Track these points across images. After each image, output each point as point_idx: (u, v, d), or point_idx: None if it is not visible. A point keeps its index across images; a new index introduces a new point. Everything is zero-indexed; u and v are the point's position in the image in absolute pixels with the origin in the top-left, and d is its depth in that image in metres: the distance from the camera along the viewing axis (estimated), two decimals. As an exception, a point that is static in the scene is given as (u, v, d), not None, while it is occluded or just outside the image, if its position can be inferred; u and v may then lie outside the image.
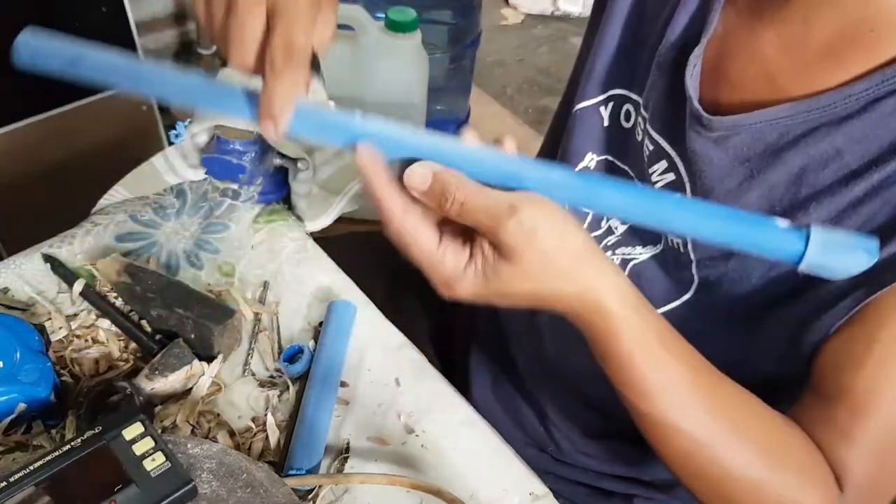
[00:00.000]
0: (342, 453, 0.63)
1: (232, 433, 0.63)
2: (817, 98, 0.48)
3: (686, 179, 0.56)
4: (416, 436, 0.65)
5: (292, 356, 0.69)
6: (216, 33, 0.43)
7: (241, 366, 0.69)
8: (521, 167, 0.43)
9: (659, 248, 0.61)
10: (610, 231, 0.66)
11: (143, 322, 0.69)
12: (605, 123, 0.65)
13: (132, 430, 0.52)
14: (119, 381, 0.62)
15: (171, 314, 0.67)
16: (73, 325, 0.69)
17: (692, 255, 0.56)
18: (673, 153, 0.57)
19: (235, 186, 0.84)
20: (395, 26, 1.57)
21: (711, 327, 0.57)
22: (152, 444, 0.52)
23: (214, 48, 1.82)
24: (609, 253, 0.65)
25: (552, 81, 2.60)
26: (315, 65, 0.44)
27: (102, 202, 0.83)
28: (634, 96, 0.62)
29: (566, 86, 0.75)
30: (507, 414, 0.75)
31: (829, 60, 0.48)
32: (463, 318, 0.93)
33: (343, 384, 0.68)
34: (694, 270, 0.57)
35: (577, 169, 0.67)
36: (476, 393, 0.82)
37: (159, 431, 0.55)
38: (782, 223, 0.41)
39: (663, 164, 0.58)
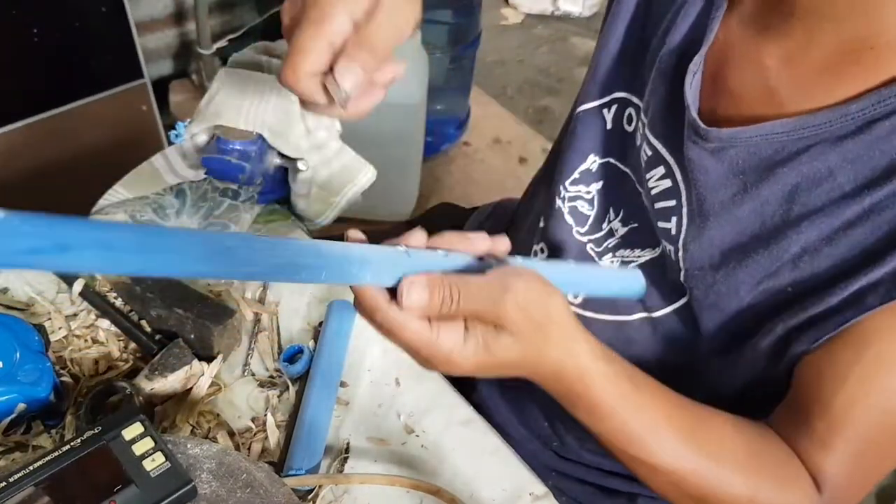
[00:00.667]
0: (342, 453, 0.63)
1: (232, 433, 0.63)
2: (813, 115, 0.48)
3: (682, 187, 0.56)
4: (416, 436, 0.65)
5: (292, 356, 0.69)
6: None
7: (241, 366, 0.69)
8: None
9: (658, 251, 0.61)
10: (611, 233, 0.66)
11: (143, 322, 0.69)
12: (609, 126, 0.65)
13: (132, 431, 0.52)
14: (119, 381, 0.62)
15: (171, 314, 0.67)
16: (73, 325, 0.68)
17: (682, 265, 0.57)
18: (671, 160, 0.57)
19: (235, 186, 0.83)
20: (394, 26, 1.56)
21: (703, 334, 0.57)
22: (152, 444, 0.52)
23: (215, 48, 1.82)
24: (609, 255, 0.65)
25: (552, 81, 2.61)
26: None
27: (102, 202, 0.83)
28: (636, 100, 0.62)
29: (580, 87, 0.75)
30: (512, 411, 0.75)
31: (829, 76, 0.48)
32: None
33: (343, 384, 0.68)
34: (682, 279, 0.57)
35: (579, 170, 0.67)
36: (482, 389, 0.82)
37: (159, 431, 0.55)
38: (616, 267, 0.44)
39: (661, 170, 0.58)
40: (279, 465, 0.61)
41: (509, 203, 0.92)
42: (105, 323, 0.69)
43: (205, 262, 0.32)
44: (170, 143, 0.87)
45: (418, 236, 0.45)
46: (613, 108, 0.64)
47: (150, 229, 0.31)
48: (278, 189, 0.86)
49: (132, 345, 0.68)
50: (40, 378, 0.60)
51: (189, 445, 0.55)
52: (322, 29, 0.43)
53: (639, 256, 0.63)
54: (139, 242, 0.30)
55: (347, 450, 0.64)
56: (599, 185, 0.66)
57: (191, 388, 0.65)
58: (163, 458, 0.51)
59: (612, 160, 0.66)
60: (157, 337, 0.67)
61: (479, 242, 0.47)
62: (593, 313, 0.66)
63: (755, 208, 0.52)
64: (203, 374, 0.66)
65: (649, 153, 0.59)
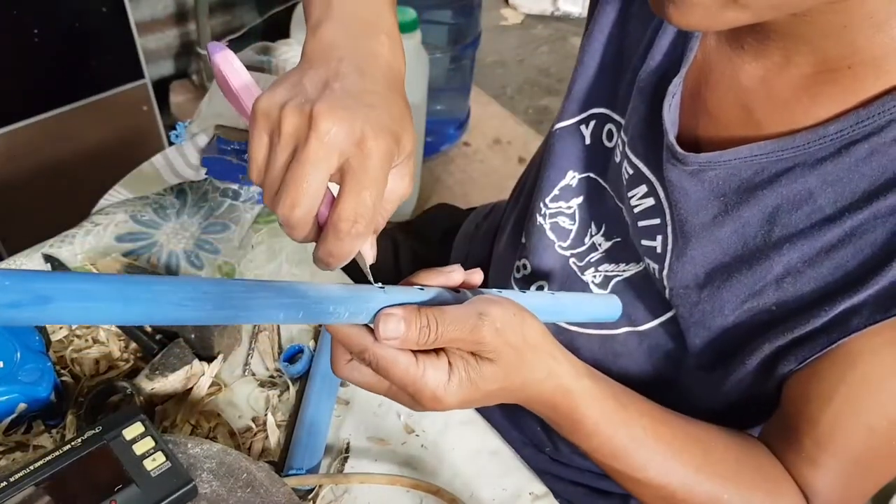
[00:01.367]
0: (342, 453, 0.63)
1: (232, 433, 0.63)
2: (792, 137, 0.48)
3: (666, 206, 0.56)
4: (416, 436, 0.65)
5: (292, 356, 0.69)
6: (270, 176, 0.38)
7: (242, 366, 0.69)
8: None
9: (641, 266, 0.61)
10: (594, 248, 0.66)
11: (144, 322, 0.69)
12: (587, 142, 0.65)
13: (132, 430, 0.53)
14: (119, 381, 0.62)
15: (172, 314, 0.67)
16: (74, 324, 0.69)
17: (666, 283, 0.57)
18: (653, 179, 0.57)
19: (235, 186, 0.84)
20: (395, 26, 1.56)
21: (690, 349, 0.58)
22: (152, 443, 0.52)
23: (214, 48, 1.82)
24: (592, 270, 0.65)
25: (552, 81, 2.61)
26: None
27: (103, 202, 0.83)
28: (616, 117, 0.62)
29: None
30: (505, 416, 0.75)
31: (806, 97, 0.48)
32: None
33: (343, 384, 0.68)
34: (668, 296, 0.57)
35: (559, 186, 0.67)
36: None
37: (159, 431, 0.55)
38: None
39: (643, 189, 0.58)
40: (279, 465, 0.62)
41: (505, 204, 0.92)
42: (105, 323, 0.69)
43: (184, 308, 0.32)
44: (170, 144, 0.88)
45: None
46: (592, 123, 0.64)
47: (130, 278, 0.31)
48: (278, 189, 0.86)
49: (133, 345, 0.68)
50: (41, 378, 0.60)
51: (189, 445, 0.55)
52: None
53: (624, 271, 0.63)
54: (119, 291, 0.30)
55: (348, 449, 0.64)
56: (580, 199, 0.66)
57: (191, 388, 0.65)
58: (163, 458, 0.51)
59: (592, 175, 0.65)
60: (158, 337, 0.68)
61: (454, 275, 0.48)
62: (578, 328, 0.66)
63: (736, 229, 0.52)
64: (203, 374, 0.66)
65: (631, 171, 0.58)
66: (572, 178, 0.66)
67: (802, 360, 0.50)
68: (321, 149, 0.37)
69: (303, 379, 0.68)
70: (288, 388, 0.67)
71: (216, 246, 0.79)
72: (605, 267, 0.64)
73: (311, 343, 0.71)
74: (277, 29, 1.95)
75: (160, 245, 0.78)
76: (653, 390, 0.58)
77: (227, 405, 0.66)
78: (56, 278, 0.29)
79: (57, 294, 0.28)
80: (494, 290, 0.49)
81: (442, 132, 2.11)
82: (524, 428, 0.75)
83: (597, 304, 0.60)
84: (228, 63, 0.43)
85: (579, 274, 0.66)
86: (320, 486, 0.60)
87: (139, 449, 0.52)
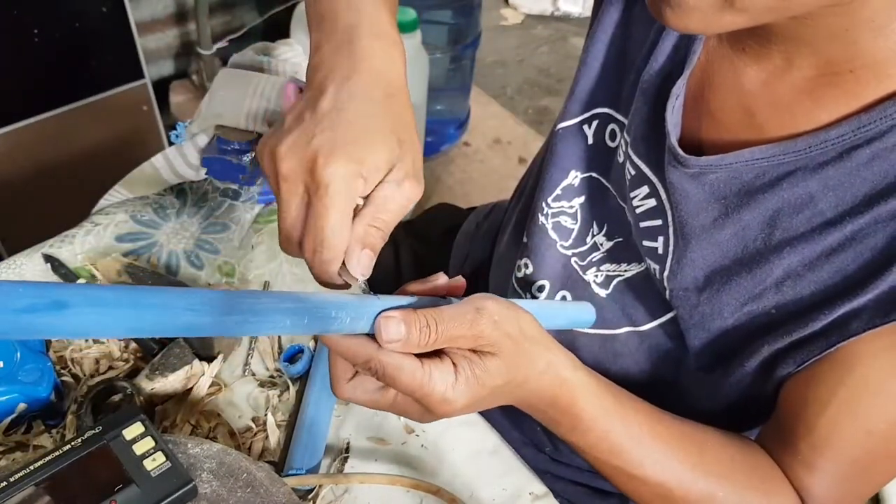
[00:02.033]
0: (342, 453, 0.63)
1: (232, 433, 0.63)
2: (794, 141, 0.48)
3: (667, 207, 0.56)
4: (416, 436, 0.65)
5: (292, 356, 0.69)
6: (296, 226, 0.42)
7: (242, 366, 0.69)
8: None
9: (643, 266, 0.61)
10: (595, 247, 0.65)
11: (144, 322, 0.69)
12: (590, 141, 0.65)
13: (132, 430, 0.53)
14: (119, 380, 0.62)
15: (172, 314, 0.67)
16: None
17: (666, 284, 0.57)
18: (655, 180, 0.57)
19: (235, 186, 0.84)
20: (395, 26, 1.56)
21: (690, 350, 0.58)
22: (153, 443, 0.52)
23: (215, 49, 1.82)
24: (594, 269, 0.65)
25: (552, 81, 2.61)
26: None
27: (103, 202, 0.83)
28: (620, 117, 0.62)
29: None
30: (504, 415, 0.75)
31: (808, 101, 0.48)
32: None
33: (343, 384, 0.68)
34: (668, 297, 0.57)
35: (561, 186, 0.67)
36: None
37: (159, 431, 0.55)
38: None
39: (644, 190, 0.58)
40: (280, 465, 0.62)
41: (506, 204, 0.92)
42: (105, 323, 0.69)
43: (195, 313, 0.33)
44: (170, 144, 0.88)
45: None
46: (594, 123, 0.64)
47: (142, 288, 0.32)
48: (278, 189, 0.86)
49: (133, 344, 0.68)
50: (41, 378, 0.60)
51: (189, 445, 0.55)
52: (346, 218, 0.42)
53: (625, 271, 0.63)
54: (131, 297, 0.31)
55: (348, 449, 0.64)
56: (582, 199, 0.66)
57: (191, 388, 0.65)
58: (163, 458, 0.51)
59: (594, 174, 0.65)
60: (158, 337, 0.68)
61: (439, 281, 0.48)
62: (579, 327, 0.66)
63: (737, 232, 0.52)
64: (204, 374, 0.66)
65: (633, 172, 0.58)
66: (574, 177, 0.66)
67: (801, 362, 0.50)
68: (283, 184, 0.40)
69: (303, 379, 0.68)
70: (288, 388, 0.67)
71: (216, 246, 0.79)
72: (607, 267, 0.64)
73: (311, 343, 0.71)
74: (277, 29, 1.95)
75: (160, 245, 0.78)
76: (653, 390, 0.57)
77: (227, 405, 0.66)
78: (71, 285, 0.29)
79: (72, 299, 0.28)
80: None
81: (442, 132, 2.11)
82: (524, 428, 0.75)
83: (569, 312, 0.60)
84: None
85: (581, 273, 0.66)
86: (320, 486, 0.60)
87: (139, 449, 0.52)
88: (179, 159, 0.86)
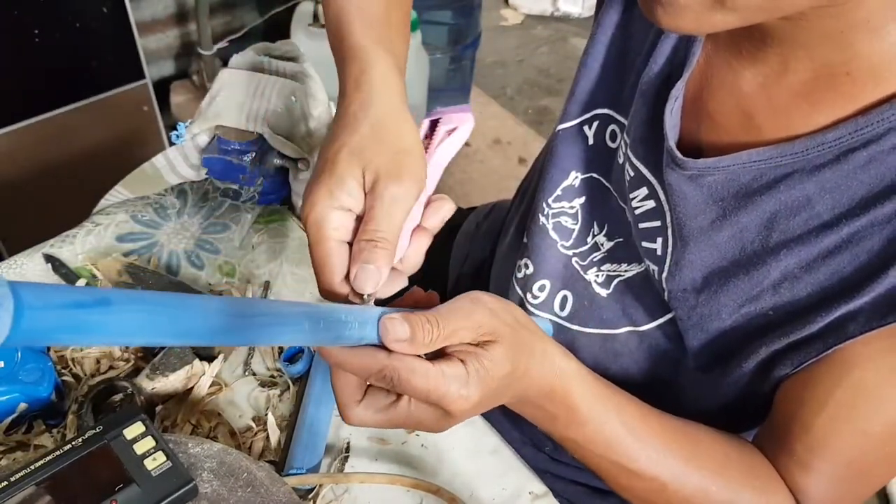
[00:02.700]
0: (342, 453, 0.64)
1: (232, 433, 0.63)
2: (791, 144, 0.48)
3: (666, 208, 0.56)
4: (416, 435, 0.66)
5: (292, 356, 0.70)
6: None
7: (242, 366, 0.69)
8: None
9: (643, 266, 0.61)
10: (596, 247, 0.66)
11: (144, 322, 0.69)
12: (590, 142, 0.65)
13: (133, 430, 0.53)
14: (120, 380, 0.62)
15: (172, 314, 0.67)
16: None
17: (665, 285, 0.57)
18: (654, 181, 0.57)
19: (236, 187, 0.84)
20: (395, 27, 1.56)
21: (688, 351, 0.58)
22: (153, 443, 0.52)
23: (216, 49, 1.82)
24: (595, 269, 0.65)
25: (552, 82, 2.61)
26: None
27: (103, 202, 0.84)
28: (620, 118, 0.62)
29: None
30: (504, 415, 0.75)
31: (805, 103, 0.48)
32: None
33: (343, 384, 0.68)
34: (666, 298, 0.57)
35: (561, 187, 0.67)
36: None
37: (160, 431, 0.55)
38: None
39: (644, 191, 0.58)
40: (280, 465, 0.62)
41: (506, 204, 0.92)
42: (106, 323, 0.69)
43: (223, 316, 0.33)
44: (171, 144, 0.88)
45: None
46: (595, 124, 0.64)
47: (181, 294, 0.33)
48: (279, 189, 0.87)
49: (133, 344, 0.68)
50: (42, 377, 0.60)
51: (190, 445, 0.55)
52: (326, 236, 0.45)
53: (626, 271, 0.63)
54: (167, 299, 0.32)
55: (348, 449, 0.64)
56: (583, 199, 0.66)
57: (192, 388, 0.65)
58: (164, 458, 0.52)
59: (595, 175, 0.66)
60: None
61: (414, 293, 0.49)
62: (579, 326, 0.66)
63: (734, 234, 0.52)
64: (204, 374, 0.66)
65: (632, 173, 0.59)
66: (575, 178, 0.66)
67: (798, 364, 0.50)
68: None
69: (303, 379, 0.68)
70: (288, 387, 0.68)
71: (217, 246, 0.79)
72: (608, 267, 0.64)
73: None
74: (277, 29, 1.95)
75: (161, 245, 0.78)
76: (652, 390, 0.58)
77: (228, 405, 0.66)
78: (116, 290, 0.30)
79: (115, 297, 0.29)
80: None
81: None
82: (524, 428, 0.75)
83: None
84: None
85: (582, 273, 0.66)
86: (320, 486, 0.60)
87: (140, 448, 0.52)
88: (180, 159, 0.86)
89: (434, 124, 0.51)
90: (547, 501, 0.63)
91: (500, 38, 2.82)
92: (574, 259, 0.67)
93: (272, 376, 0.69)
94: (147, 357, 0.67)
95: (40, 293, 0.25)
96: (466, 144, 2.20)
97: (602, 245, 0.65)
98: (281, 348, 0.71)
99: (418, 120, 0.48)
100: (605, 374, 0.53)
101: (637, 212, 0.59)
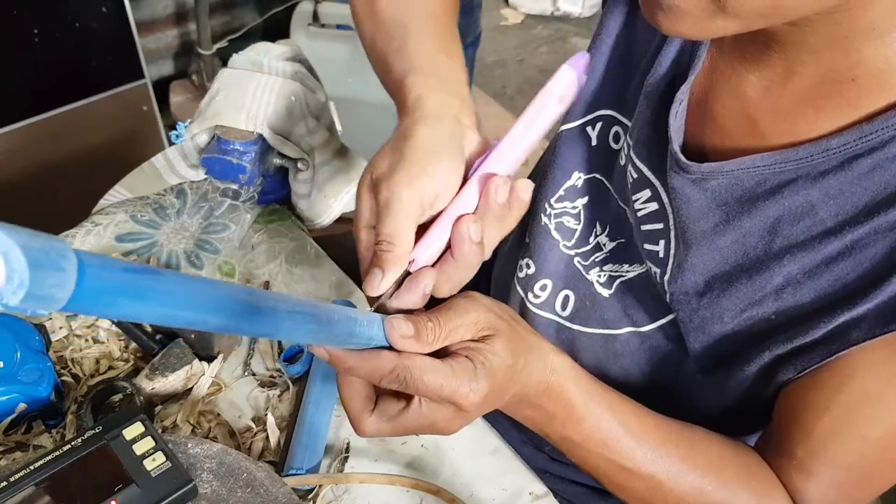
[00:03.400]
0: (342, 453, 0.63)
1: (232, 433, 0.63)
2: (795, 150, 0.48)
3: (669, 211, 0.56)
4: (416, 435, 0.65)
5: (292, 356, 0.69)
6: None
7: (242, 366, 0.69)
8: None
9: (645, 267, 0.61)
10: (598, 248, 0.66)
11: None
12: (593, 143, 0.65)
13: (133, 430, 0.53)
14: (119, 380, 0.62)
15: (172, 314, 0.67)
16: (74, 324, 0.69)
17: (666, 288, 0.57)
18: (657, 183, 0.57)
19: (236, 187, 0.84)
20: (395, 26, 1.57)
21: (690, 353, 0.58)
22: (153, 443, 0.52)
23: (215, 49, 1.82)
24: (597, 269, 0.65)
25: (552, 82, 2.60)
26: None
27: (103, 202, 0.83)
28: (623, 119, 0.62)
29: None
30: (504, 414, 0.75)
31: (810, 108, 0.48)
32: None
33: (343, 384, 0.68)
34: (668, 300, 0.57)
35: (564, 187, 0.67)
36: None
37: (160, 431, 0.55)
38: None
39: (647, 193, 0.58)
40: (280, 465, 0.62)
41: None
42: (106, 322, 0.69)
43: (247, 305, 0.34)
44: (170, 144, 0.88)
45: None
46: (598, 125, 0.64)
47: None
48: (279, 189, 0.87)
49: (133, 344, 0.68)
50: (41, 378, 0.60)
51: (190, 445, 0.55)
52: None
53: (627, 272, 0.63)
54: (203, 280, 0.32)
55: (348, 449, 0.64)
56: (585, 199, 0.66)
57: (191, 388, 0.65)
58: (163, 458, 0.51)
59: (597, 176, 0.66)
60: (158, 336, 0.68)
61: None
62: (581, 326, 0.66)
63: (737, 239, 0.52)
64: (204, 374, 0.66)
65: (635, 175, 0.58)
66: (577, 178, 0.66)
67: (801, 369, 0.50)
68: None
69: (303, 379, 0.68)
70: (288, 388, 0.67)
71: (216, 246, 0.79)
72: (610, 267, 0.64)
73: (312, 343, 0.71)
74: (277, 29, 1.96)
75: (160, 245, 0.78)
76: (653, 392, 0.57)
77: (228, 405, 0.66)
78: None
79: (161, 270, 0.30)
80: None
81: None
82: (524, 427, 0.75)
83: None
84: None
85: (584, 273, 0.66)
86: (320, 486, 0.60)
87: (139, 449, 0.52)
88: (179, 159, 0.86)
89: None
90: (547, 502, 0.63)
91: (501, 37, 2.82)
92: (576, 259, 0.67)
93: (272, 377, 0.69)
94: (146, 357, 0.66)
95: (97, 257, 0.26)
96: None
97: (604, 245, 0.65)
98: (281, 349, 0.71)
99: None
100: (605, 374, 0.53)
101: (639, 213, 0.59)
